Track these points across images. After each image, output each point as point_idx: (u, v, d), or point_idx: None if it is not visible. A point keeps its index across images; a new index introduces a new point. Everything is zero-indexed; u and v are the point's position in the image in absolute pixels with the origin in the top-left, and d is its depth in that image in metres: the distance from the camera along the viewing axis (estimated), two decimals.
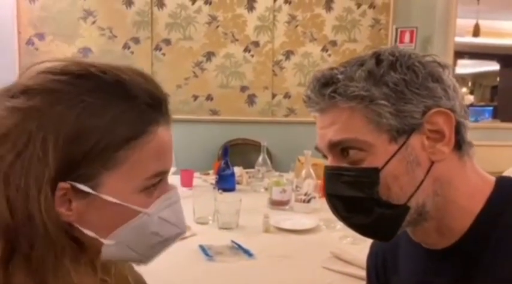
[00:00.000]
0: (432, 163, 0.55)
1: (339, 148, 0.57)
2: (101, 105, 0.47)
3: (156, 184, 0.51)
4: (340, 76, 0.56)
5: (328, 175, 0.59)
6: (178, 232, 0.55)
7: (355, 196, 0.56)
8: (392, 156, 0.54)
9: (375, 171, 0.54)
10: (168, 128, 0.54)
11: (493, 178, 0.59)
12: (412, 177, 0.54)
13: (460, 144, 0.56)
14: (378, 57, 0.56)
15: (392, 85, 0.54)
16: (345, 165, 0.57)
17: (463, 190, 0.56)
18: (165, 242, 0.54)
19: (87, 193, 0.47)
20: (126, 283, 0.62)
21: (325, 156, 0.62)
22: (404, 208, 0.55)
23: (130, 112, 0.48)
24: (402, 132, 0.54)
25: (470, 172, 0.58)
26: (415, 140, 0.54)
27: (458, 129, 0.56)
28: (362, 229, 0.60)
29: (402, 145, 0.54)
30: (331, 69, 0.58)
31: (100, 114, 0.47)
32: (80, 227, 0.48)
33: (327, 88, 0.56)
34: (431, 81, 0.55)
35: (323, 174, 0.61)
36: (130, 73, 0.50)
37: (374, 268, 0.75)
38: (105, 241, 0.50)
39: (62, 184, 0.46)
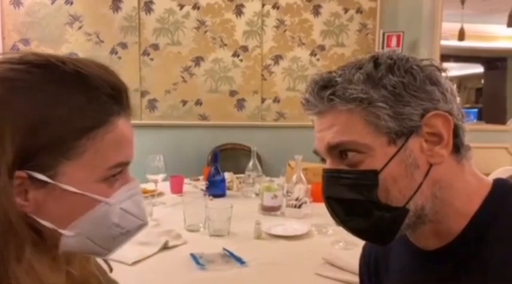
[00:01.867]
0: (431, 166, 0.55)
1: (338, 150, 0.57)
2: (60, 95, 0.47)
3: (117, 174, 0.51)
4: (338, 79, 0.56)
5: (326, 177, 0.59)
6: (141, 224, 0.55)
7: (354, 199, 0.55)
8: (391, 159, 0.54)
9: (374, 174, 0.54)
10: (128, 120, 0.54)
11: (490, 180, 0.59)
12: (411, 179, 0.54)
13: (458, 147, 0.56)
14: (376, 61, 0.56)
15: (391, 88, 0.54)
16: (343, 167, 0.57)
17: (462, 193, 0.56)
18: (126, 234, 0.54)
19: (46, 183, 0.46)
20: (92, 277, 0.61)
21: (323, 160, 0.61)
22: (403, 211, 0.54)
23: (90, 102, 0.48)
24: (401, 135, 0.54)
25: (469, 175, 0.58)
26: (414, 143, 0.54)
27: (457, 132, 0.56)
28: (361, 233, 0.59)
29: (401, 148, 0.54)
30: (330, 72, 0.58)
31: (59, 104, 0.47)
32: (37, 218, 0.48)
33: (326, 90, 0.56)
34: (429, 84, 0.55)
35: (321, 176, 0.60)
36: (90, 65, 0.50)
37: (366, 268, 0.75)
38: (64, 232, 0.49)
39: (19, 173, 0.45)
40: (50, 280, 0.49)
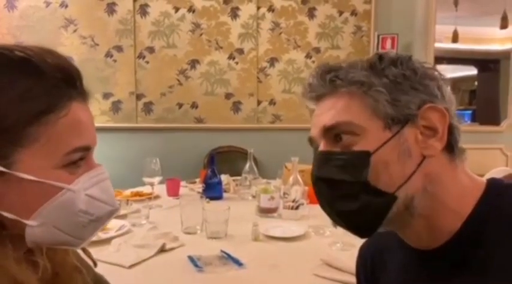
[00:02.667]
0: (423, 158, 0.55)
1: (333, 133, 0.58)
2: (5, 82, 0.46)
3: (78, 161, 0.50)
4: (343, 65, 0.59)
5: (318, 158, 0.59)
6: (111, 210, 0.54)
7: (343, 180, 0.56)
8: (385, 143, 0.54)
9: (366, 155, 0.55)
10: (85, 104, 0.53)
11: (483, 181, 0.59)
12: (403, 167, 0.55)
13: (452, 145, 0.57)
14: (380, 55, 0.59)
15: (392, 77, 0.56)
16: (337, 149, 0.58)
17: (453, 192, 0.57)
18: (97, 221, 0.52)
19: (2, 173, 0.45)
20: (75, 272, 0.60)
21: (316, 149, 0.62)
22: (391, 198, 0.55)
23: (38, 87, 0.47)
24: (397, 121, 0.55)
25: (461, 175, 0.58)
26: (409, 133, 0.55)
27: (452, 130, 0.57)
28: (346, 217, 0.59)
29: (396, 134, 0.55)
30: (336, 62, 0.61)
31: (5, 91, 0.46)
32: None
33: (329, 74, 0.58)
34: (428, 80, 0.57)
35: (313, 159, 0.61)
36: (37, 51, 0.49)
37: (363, 270, 0.75)
38: (27, 222, 0.48)
39: None
40: (19, 276, 0.47)
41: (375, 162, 0.54)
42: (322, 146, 0.60)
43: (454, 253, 0.56)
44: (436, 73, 0.58)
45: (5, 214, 0.47)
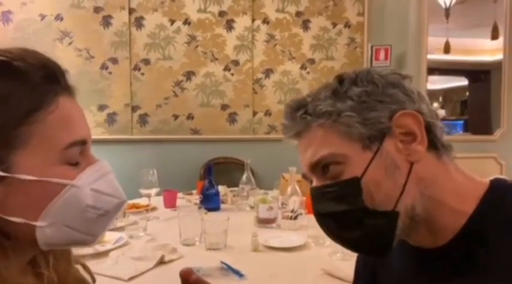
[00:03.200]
0: (411, 164, 0.56)
1: (320, 167, 0.58)
2: None
3: (77, 155, 0.50)
4: (308, 99, 0.60)
5: (313, 195, 0.60)
6: (118, 202, 0.53)
7: (342, 211, 0.56)
8: (370, 163, 0.55)
9: (356, 181, 0.55)
10: (72, 98, 0.52)
11: (486, 180, 0.59)
12: (394, 181, 0.55)
13: (434, 143, 0.57)
14: (340, 78, 0.60)
15: (356, 97, 0.57)
16: (327, 182, 0.58)
17: (450, 190, 0.57)
18: (106, 215, 0.52)
19: (2, 178, 0.45)
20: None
21: (312, 183, 0.62)
22: (393, 215, 0.55)
23: (21, 88, 0.47)
24: (374, 139, 0.55)
25: (456, 174, 0.58)
26: (389, 145, 0.56)
27: (430, 129, 0.57)
28: (356, 245, 0.59)
29: (377, 152, 0.55)
30: (303, 97, 0.62)
31: None
32: (4, 216, 0.46)
33: (298, 111, 0.60)
34: (391, 88, 0.57)
35: (310, 196, 0.62)
36: (16, 52, 0.49)
37: (363, 266, 0.75)
38: (36, 223, 0.47)
39: None
40: None
41: (366, 184, 0.55)
42: (314, 182, 0.61)
43: (456, 252, 0.56)
44: (397, 76, 0.59)
45: (12, 218, 0.46)
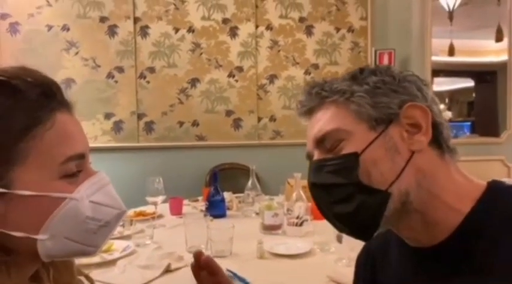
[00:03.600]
0: (412, 153, 0.57)
1: (324, 143, 0.61)
2: None
3: (74, 169, 0.51)
4: (327, 80, 0.64)
5: (313, 167, 0.62)
6: (118, 213, 0.54)
7: (337, 183, 0.58)
8: (371, 142, 0.57)
9: (355, 156, 0.57)
10: (70, 113, 0.53)
11: (484, 182, 0.60)
12: (392, 163, 0.57)
13: (439, 141, 0.59)
14: (361, 68, 0.63)
15: (372, 84, 0.59)
16: (328, 156, 0.60)
17: (449, 188, 0.58)
18: (107, 226, 0.53)
19: (2, 194, 0.46)
20: None
21: None
22: (385, 195, 0.56)
23: (18, 106, 0.48)
24: (380, 122, 0.58)
25: (456, 174, 0.60)
26: (394, 131, 0.58)
27: (436, 126, 0.59)
28: (344, 219, 0.60)
29: (381, 133, 0.57)
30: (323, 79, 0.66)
31: None
32: (5, 231, 0.47)
33: (315, 88, 0.63)
34: (407, 82, 0.60)
35: (308, 169, 0.63)
36: (12, 71, 0.51)
37: (363, 267, 0.76)
38: (37, 237, 0.48)
39: None
40: None
41: (364, 161, 0.57)
42: (316, 156, 0.63)
43: (452, 251, 0.56)
44: (415, 77, 0.61)
45: (14, 233, 0.47)
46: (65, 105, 0.53)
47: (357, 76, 0.61)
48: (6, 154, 0.46)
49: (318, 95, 0.62)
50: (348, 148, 0.58)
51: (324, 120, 0.61)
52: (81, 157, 0.52)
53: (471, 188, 0.59)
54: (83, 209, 0.50)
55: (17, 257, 0.49)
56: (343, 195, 0.58)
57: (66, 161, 0.50)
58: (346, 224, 0.61)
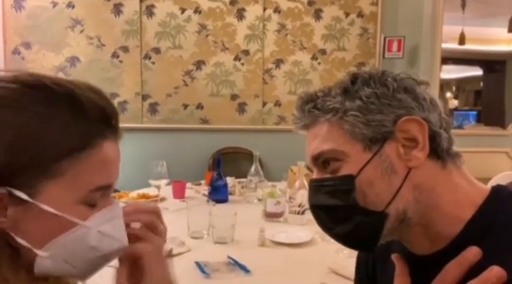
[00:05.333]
0: (409, 170, 0.56)
1: (321, 161, 0.60)
2: (47, 116, 0.47)
3: (97, 198, 0.51)
4: (319, 94, 0.62)
5: (311, 187, 0.63)
6: (119, 247, 0.54)
7: (335, 205, 0.58)
8: (367, 163, 0.56)
9: (350, 178, 0.57)
10: (116, 143, 0.54)
11: (487, 187, 0.59)
12: (388, 184, 0.56)
13: (437, 153, 0.58)
14: (354, 76, 0.61)
15: (365, 98, 0.57)
16: (325, 176, 0.60)
17: (448, 198, 0.57)
18: (105, 258, 0.53)
19: (25, 201, 0.46)
20: None
21: None
22: (382, 215, 0.56)
23: (76, 125, 0.49)
24: (375, 141, 0.57)
25: (459, 181, 0.58)
26: (390, 148, 0.57)
27: (434, 138, 0.57)
28: (344, 239, 0.61)
29: (376, 153, 0.56)
30: (315, 91, 0.64)
31: (45, 125, 0.47)
32: (14, 235, 0.47)
33: (308, 104, 0.62)
34: (402, 93, 0.58)
35: (308, 187, 0.64)
36: (83, 88, 0.51)
37: (364, 266, 0.76)
38: (39, 252, 0.48)
39: (0, 189, 0.46)
40: None
41: (360, 183, 0.56)
42: (314, 174, 0.63)
43: (452, 258, 0.55)
44: (412, 82, 0.59)
45: (19, 240, 0.48)
46: (115, 134, 0.53)
47: (349, 88, 0.59)
48: (45, 167, 0.47)
49: (310, 113, 0.61)
50: (343, 170, 0.58)
51: (319, 139, 0.60)
52: (109, 187, 0.53)
53: (474, 194, 0.58)
54: (89, 238, 0.50)
55: (25, 261, 0.50)
56: (341, 216, 0.59)
57: (95, 190, 0.50)
58: (346, 242, 0.62)
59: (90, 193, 0.50)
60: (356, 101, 0.58)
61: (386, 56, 3.08)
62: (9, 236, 0.48)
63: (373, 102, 0.57)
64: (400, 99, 0.57)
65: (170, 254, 1.33)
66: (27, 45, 3.00)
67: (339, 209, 0.58)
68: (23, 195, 0.46)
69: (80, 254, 0.51)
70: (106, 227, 0.52)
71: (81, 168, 0.49)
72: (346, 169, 0.57)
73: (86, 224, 0.50)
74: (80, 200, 0.49)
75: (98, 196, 0.51)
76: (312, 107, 0.61)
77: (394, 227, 0.57)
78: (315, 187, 0.62)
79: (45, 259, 0.49)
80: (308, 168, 0.68)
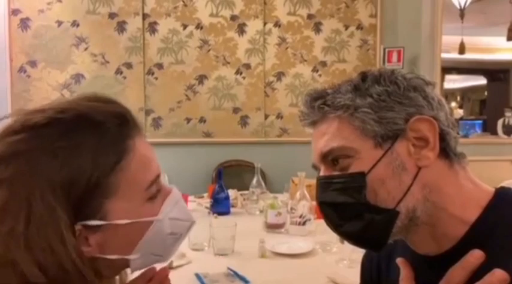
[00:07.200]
0: (419, 169, 0.56)
1: (330, 158, 0.59)
2: (76, 145, 0.49)
3: (155, 191, 0.54)
4: (329, 91, 0.61)
5: (319, 184, 0.61)
6: (190, 225, 0.59)
7: (345, 202, 0.57)
8: (378, 161, 0.56)
9: (361, 175, 0.56)
10: (142, 136, 0.56)
11: (492, 189, 0.59)
12: (399, 181, 0.56)
13: (446, 152, 0.58)
14: (363, 75, 0.61)
15: (376, 96, 0.57)
16: (335, 173, 0.59)
17: (455, 199, 0.57)
18: (181, 238, 0.58)
19: (99, 225, 0.49)
20: None
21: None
22: (393, 213, 0.56)
23: (104, 139, 0.50)
24: (387, 138, 0.56)
25: (465, 182, 0.59)
26: (401, 146, 0.56)
27: (443, 137, 0.57)
28: (354, 237, 0.60)
29: (387, 151, 0.56)
30: (324, 88, 0.63)
31: (79, 153, 0.48)
32: (104, 256, 0.51)
33: (317, 101, 0.61)
34: (412, 92, 0.58)
35: (315, 184, 0.62)
36: (87, 103, 0.52)
37: (368, 268, 0.76)
38: (131, 257, 0.53)
39: (76, 228, 0.48)
40: None
41: (371, 181, 0.56)
42: (322, 171, 0.62)
43: (456, 260, 0.55)
44: (420, 81, 0.59)
45: (110, 256, 0.51)
46: (137, 129, 0.55)
47: (360, 86, 0.59)
48: (101, 190, 0.49)
49: (320, 110, 0.60)
50: (354, 167, 0.57)
51: (328, 135, 0.59)
52: (158, 176, 0.55)
53: (479, 195, 0.58)
54: (165, 227, 0.54)
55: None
56: (351, 213, 0.58)
57: (149, 186, 0.53)
58: (355, 241, 0.61)
59: (146, 192, 0.53)
60: (367, 98, 0.57)
61: (386, 66, 3.10)
62: (97, 259, 0.51)
63: (384, 99, 0.57)
64: (411, 97, 0.57)
65: (170, 267, 1.35)
66: (33, 64, 3.07)
67: (348, 206, 0.57)
68: (96, 222, 0.49)
69: (162, 244, 0.55)
70: (174, 213, 0.56)
71: (129, 175, 0.51)
72: (356, 166, 0.57)
73: (159, 218, 0.54)
74: (142, 200, 0.53)
75: (154, 190, 0.54)
76: (322, 103, 0.60)
77: (403, 225, 0.56)
78: (324, 184, 0.60)
79: (137, 260, 0.53)
80: (314, 166, 0.67)
